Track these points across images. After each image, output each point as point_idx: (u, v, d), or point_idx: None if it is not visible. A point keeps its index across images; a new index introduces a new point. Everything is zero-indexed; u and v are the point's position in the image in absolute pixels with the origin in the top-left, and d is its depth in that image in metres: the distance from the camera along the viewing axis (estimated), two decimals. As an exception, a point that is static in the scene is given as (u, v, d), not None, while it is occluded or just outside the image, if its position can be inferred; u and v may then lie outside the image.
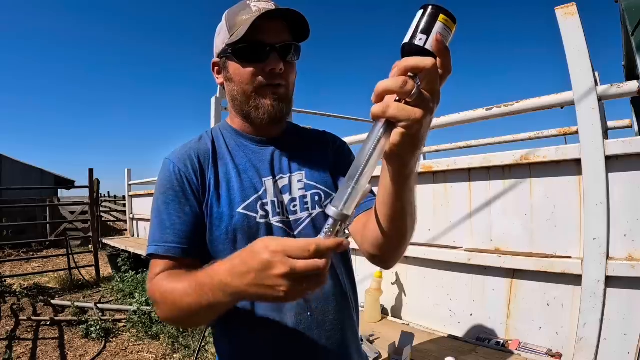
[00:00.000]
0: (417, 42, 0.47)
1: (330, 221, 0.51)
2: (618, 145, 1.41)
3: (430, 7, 0.47)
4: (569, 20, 1.49)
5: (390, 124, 0.49)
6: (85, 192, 6.82)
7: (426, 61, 0.45)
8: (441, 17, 0.46)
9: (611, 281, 1.42)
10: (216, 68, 0.84)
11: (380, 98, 0.48)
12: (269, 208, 0.78)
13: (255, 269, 0.52)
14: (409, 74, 0.47)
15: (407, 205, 0.63)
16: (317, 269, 0.49)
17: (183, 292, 0.64)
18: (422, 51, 0.47)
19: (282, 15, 0.75)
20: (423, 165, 2.12)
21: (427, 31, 0.46)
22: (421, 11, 0.47)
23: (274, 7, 0.74)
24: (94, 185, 6.66)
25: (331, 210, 0.51)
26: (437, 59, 0.47)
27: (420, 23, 0.47)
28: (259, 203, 0.78)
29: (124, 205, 8.51)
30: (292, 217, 0.80)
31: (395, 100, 0.48)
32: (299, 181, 0.83)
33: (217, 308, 0.61)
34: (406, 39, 0.48)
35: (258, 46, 0.75)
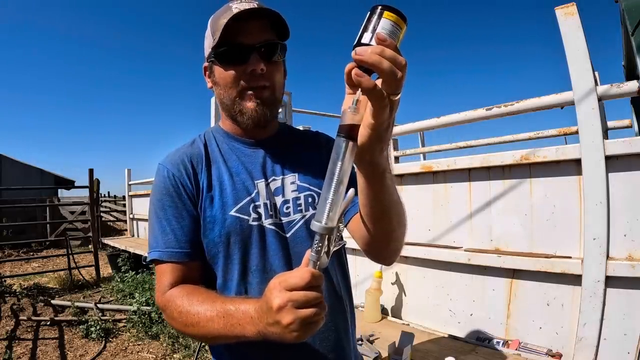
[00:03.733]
0: (363, 40, 0.48)
1: (317, 237, 0.53)
2: (618, 145, 1.41)
3: (378, 7, 0.49)
4: (569, 20, 1.49)
5: (354, 129, 0.51)
6: (85, 192, 6.83)
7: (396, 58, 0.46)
8: (386, 14, 0.48)
9: (611, 281, 1.42)
10: (206, 72, 0.84)
11: (361, 62, 0.47)
12: (261, 210, 0.79)
13: (264, 308, 0.57)
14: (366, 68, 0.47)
15: (388, 203, 0.64)
16: (315, 298, 0.53)
17: (208, 318, 0.67)
18: None
19: (258, 14, 0.74)
20: (423, 165, 2.12)
21: (373, 29, 0.48)
22: (369, 12, 0.49)
23: (256, 6, 0.73)
24: (94, 185, 6.66)
25: (315, 226, 0.52)
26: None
27: (367, 23, 0.49)
28: (252, 205, 0.78)
29: (124, 205, 8.52)
30: (284, 219, 0.80)
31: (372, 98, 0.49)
32: (292, 183, 0.83)
33: (242, 338, 0.64)
34: (355, 40, 0.49)
35: (237, 48, 0.74)
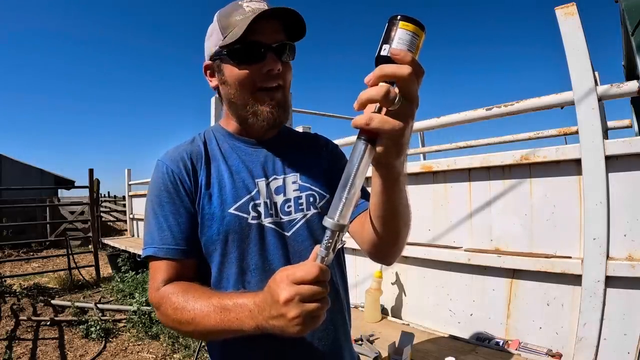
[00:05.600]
0: (382, 53, 0.49)
1: (328, 233, 0.53)
2: (618, 145, 1.41)
3: (397, 17, 0.49)
4: (569, 20, 1.49)
5: (374, 133, 0.51)
6: (85, 192, 6.83)
7: (402, 69, 0.47)
8: (401, 24, 0.49)
9: (611, 281, 1.42)
10: (208, 71, 0.83)
11: (362, 106, 0.50)
12: (261, 209, 0.78)
13: (268, 301, 0.56)
14: (386, 81, 0.48)
15: (399, 205, 0.64)
16: (321, 292, 0.53)
17: (204, 314, 0.66)
18: (390, 60, 0.48)
19: (278, 15, 0.74)
20: (423, 165, 2.12)
21: (391, 41, 0.49)
22: (387, 23, 0.50)
23: (266, 7, 0.73)
24: (94, 185, 6.66)
25: (328, 222, 0.53)
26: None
27: (386, 34, 0.50)
28: (251, 204, 0.78)
29: (124, 205, 8.51)
30: (285, 218, 0.80)
31: (378, 110, 0.50)
32: (294, 182, 0.83)
33: (239, 333, 0.64)
34: (377, 52, 0.50)
35: (254, 47, 0.74)
